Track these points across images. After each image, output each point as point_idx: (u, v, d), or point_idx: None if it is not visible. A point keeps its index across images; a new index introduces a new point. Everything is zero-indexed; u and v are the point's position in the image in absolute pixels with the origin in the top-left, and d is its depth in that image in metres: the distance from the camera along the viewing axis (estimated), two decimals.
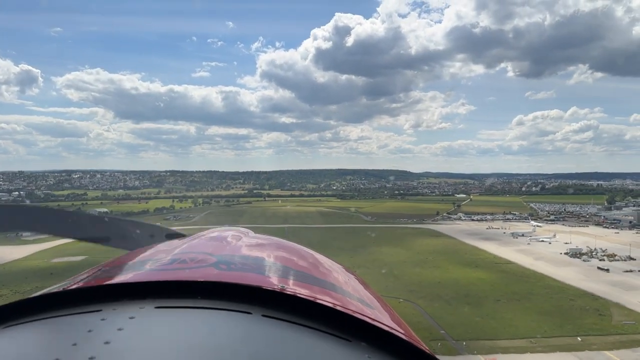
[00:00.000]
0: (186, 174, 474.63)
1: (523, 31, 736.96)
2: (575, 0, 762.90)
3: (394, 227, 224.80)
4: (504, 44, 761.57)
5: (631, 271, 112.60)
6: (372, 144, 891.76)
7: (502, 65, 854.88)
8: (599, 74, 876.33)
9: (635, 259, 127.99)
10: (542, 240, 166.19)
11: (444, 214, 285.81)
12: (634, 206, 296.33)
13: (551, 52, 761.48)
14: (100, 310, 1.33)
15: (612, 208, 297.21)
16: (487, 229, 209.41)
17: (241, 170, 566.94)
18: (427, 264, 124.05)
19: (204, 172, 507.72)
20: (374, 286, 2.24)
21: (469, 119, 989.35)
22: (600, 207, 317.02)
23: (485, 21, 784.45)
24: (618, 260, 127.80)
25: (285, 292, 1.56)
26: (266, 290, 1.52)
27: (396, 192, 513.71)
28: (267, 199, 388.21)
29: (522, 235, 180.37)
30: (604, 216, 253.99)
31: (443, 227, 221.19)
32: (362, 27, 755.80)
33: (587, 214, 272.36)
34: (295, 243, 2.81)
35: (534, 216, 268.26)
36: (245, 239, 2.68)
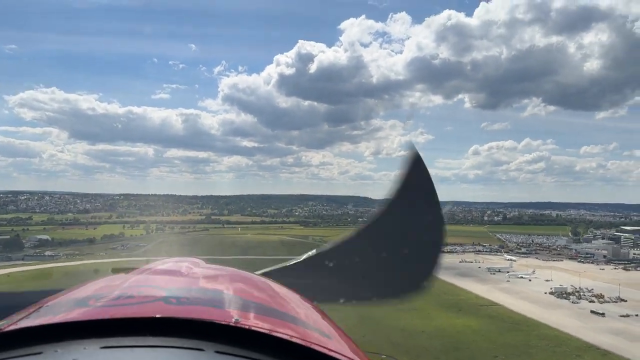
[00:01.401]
0: (141, 198, 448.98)
1: (481, 64, 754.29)
2: (531, 35, 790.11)
3: None
4: (462, 76, 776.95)
5: (628, 316, 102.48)
6: (334, 170, 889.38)
7: (460, 96, 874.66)
8: (551, 107, 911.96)
9: (625, 300, 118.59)
10: (522, 277, 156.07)
11: None
12: (602, 239, 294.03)
13: (507, 85, 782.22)
14: (41, 352, 1.21)
15: (581, 240, 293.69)
16: (460, 262, 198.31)
17: (200, 194, 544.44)
18: (406, 307, 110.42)
19: (160, 195, 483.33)
20: (351, 336, 2.12)
21: (427, 148, 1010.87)
22: (567, 238, 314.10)
23: (444, 53, 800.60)
24: (608, 302, 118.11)
25: (239, 325, 1.45)
26: (219, 325, 1.42)
27: (359, 219, 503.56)
28: (226, 225, 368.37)
29: (499, 271, 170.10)
30: (576, 250, 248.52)
31: None
32: (325, 55, 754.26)
33: (557, 247, 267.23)
34: (249, 272, 2.61)
35: (504, 248, 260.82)
36: (197, 270, 2.48)
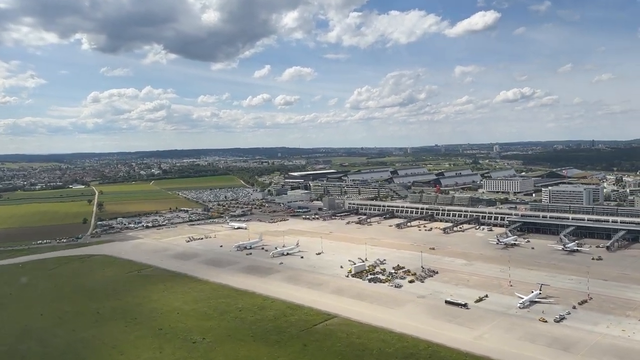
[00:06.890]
0: None
1: (100, 1, 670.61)
2: None
3: (44, 259, 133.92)
4: (79, 13, 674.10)
5: (481, 299, 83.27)
6: None
7: (77, 36, 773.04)
8: (172, 56, 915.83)
9: (437, 272, 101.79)
10: (289, 254, 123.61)
11: (98, 222, 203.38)
12: (292, 189, 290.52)
13: (128, 28, 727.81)
14: None
15: (273, 192, 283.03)
16: (188, 242, 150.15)
17: None
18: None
19: None
20: None
21: (39, 94, 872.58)
22: (254, 190, 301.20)
23: None
24: (424, 276, 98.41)
25: None
26: None
27: None
28: None
29: (252, 248, 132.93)
30: (284, 204, 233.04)
31: (125, 247, 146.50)
32: None
33: (261, 201, 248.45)
34: None
35: (209, 210, 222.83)
36: None
